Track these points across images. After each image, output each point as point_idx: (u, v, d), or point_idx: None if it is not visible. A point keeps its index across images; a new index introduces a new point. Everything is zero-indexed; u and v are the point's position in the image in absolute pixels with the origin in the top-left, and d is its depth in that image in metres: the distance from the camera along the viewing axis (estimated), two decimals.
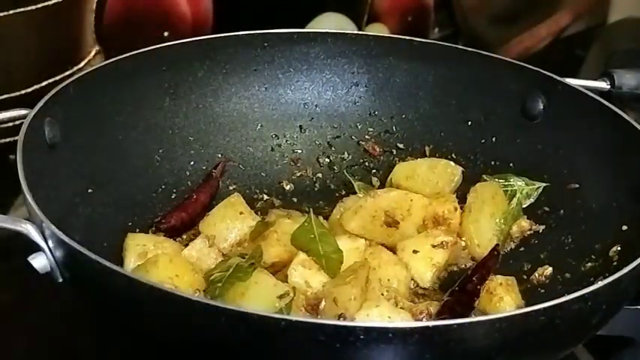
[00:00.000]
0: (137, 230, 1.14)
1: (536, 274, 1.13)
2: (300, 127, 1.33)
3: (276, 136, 1.32)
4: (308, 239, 1.07)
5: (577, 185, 1.19)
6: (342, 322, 0.88)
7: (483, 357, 0.87)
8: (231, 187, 1.28)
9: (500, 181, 1.22)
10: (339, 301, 0.99)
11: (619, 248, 1.08)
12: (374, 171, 1.32)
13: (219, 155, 1.28)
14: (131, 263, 1.06)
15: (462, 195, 1.23)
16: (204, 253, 1.07)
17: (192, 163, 1.26)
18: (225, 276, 0.99)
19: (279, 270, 1.08)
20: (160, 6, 1.65)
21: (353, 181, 1.28)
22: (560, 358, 0.99)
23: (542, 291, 1.11)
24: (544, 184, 1.22)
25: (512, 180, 1.22)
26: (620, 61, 1.52)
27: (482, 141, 1.29)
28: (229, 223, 1.13)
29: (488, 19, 2.05)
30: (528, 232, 1.20)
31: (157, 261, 1.01)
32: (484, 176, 1.25)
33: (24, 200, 0.94)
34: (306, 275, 1.04)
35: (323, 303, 1.00)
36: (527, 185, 1.22)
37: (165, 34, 1.64)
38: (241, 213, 1.15)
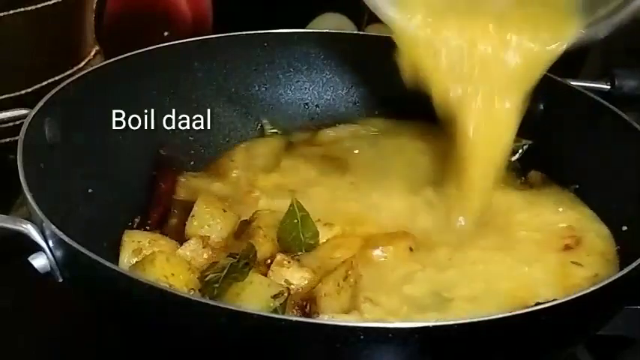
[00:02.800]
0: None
1: None
2: (301, 127, 1.33)
3: None
4: (292, 224, 1.08)
5: (577, 185, 1.19)
6: (342, 322, 0.88)
7: (483, 357, 0.87)
8: None
9: None
10: (321, 300, 0.99)
11: (619, 248, 1.08)
12: None
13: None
14: (125, 259, 1.05)
15: None
16: (198, 254, 1.07)
17: (192, 163, 1.26)
18: (221, 276, 0.99)
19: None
20: (159, 6, 1.65)
21: None
22: (561, 358, 0.99)
23: None
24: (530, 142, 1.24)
25: None
26: (620, 62, 1.52)
27: None
28: (214, 220, 1.12)
29: None
30: None
31: (153, 259, 1.00)
32: None
33: (24, 200, 0.94)
34: (286, 274, 1.03)
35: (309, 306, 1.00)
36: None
37: (165, 34, 1.64)
38: (224, 210, 1.14)
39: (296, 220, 1.08)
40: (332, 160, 1.25)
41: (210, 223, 1.11)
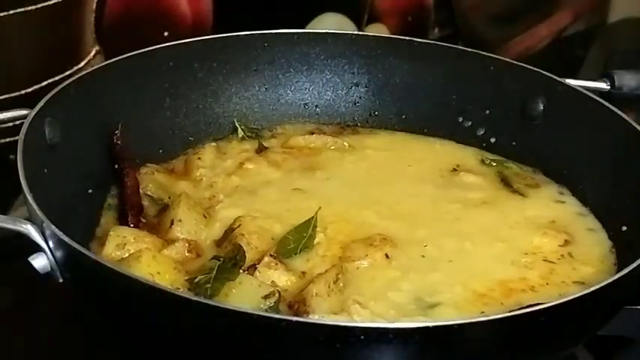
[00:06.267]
0: None
1: None
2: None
3: None
4: (300, 235, 1.07)
5: (580, 186, 1.19)
6: (342, 322, 0.88)
7: (483, 357, 0.87)
8: None
9: None
10: (312, 300, 0.98)
11: (618, 248, 1.08)
12: None
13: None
14: (108, 252, 1.03)
15: None
16: (184, 257, 1.06)
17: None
18: (211, 277, 0.99)
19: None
20: (159, 6, 1.66)
21: None
22: (561, 358, 0.99)
23: None
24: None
25: None
26: (620, 62, 1.52)
27: (482, 141, 1.29)
28: (198, 227, 1.12)
29: (488, 19, 2.06)
30: None
31: (140, 256, 0.99)
32: None
33: (24, 200, 0.94)
34: (273, 276, 1.03)
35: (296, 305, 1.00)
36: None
37: (166, 34, 1.64)
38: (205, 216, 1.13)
39: (305, 235, 1.08)
40: (300, 163, 1.24)
41: (195, 230, 1.10)
